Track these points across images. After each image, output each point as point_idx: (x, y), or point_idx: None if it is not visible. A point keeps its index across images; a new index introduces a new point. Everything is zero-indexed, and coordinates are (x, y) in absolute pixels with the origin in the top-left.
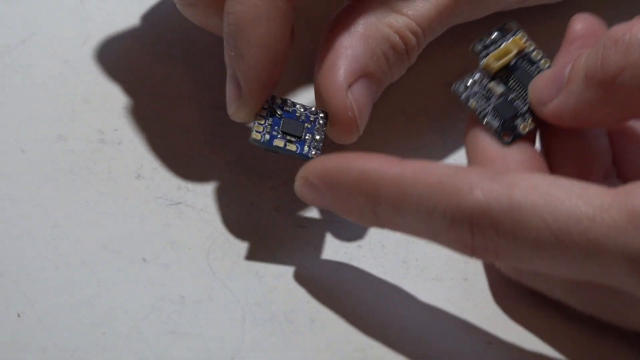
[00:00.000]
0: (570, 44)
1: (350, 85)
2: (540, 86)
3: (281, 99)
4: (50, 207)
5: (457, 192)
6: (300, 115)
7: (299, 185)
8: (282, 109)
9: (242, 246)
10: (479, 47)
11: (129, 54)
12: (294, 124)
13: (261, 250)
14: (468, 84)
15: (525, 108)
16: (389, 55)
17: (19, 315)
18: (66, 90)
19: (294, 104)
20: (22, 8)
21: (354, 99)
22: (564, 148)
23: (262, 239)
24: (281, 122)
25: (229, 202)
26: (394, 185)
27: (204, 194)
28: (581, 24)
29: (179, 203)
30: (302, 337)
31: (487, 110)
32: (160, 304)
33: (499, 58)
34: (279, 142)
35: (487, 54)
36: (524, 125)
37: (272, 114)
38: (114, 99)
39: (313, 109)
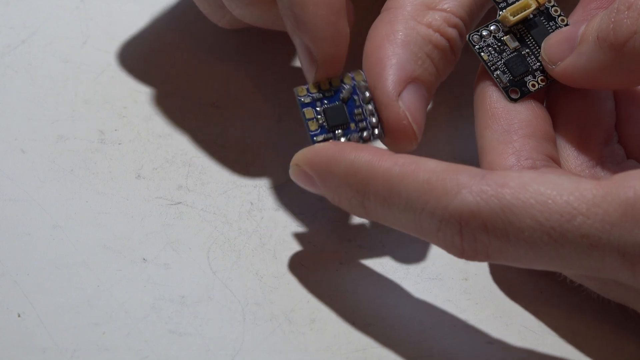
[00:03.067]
0: (588, 2)
1: (400, 94)
2: (552, 44)
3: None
4: (50, 207)
5: (446, 193)
6: (358, 115)
7: (292, 171)
8: (352, 97)
9: (242, 246)
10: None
11: (129, 54)
12: (340, 114)
13: (261, 250)
14: (482, 35)
15: (536, 65)
16: (433, 56)
17: (19, 315)
18: (66, 90)
19: (362, 103)
20: (22, 8)
21: (405, 107)
22: (569, 107)
23: (262, 239)
24: (334, 103)
25: (229, 202)
26: (382, 180)
27: (204, 194)
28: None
29: (179, 203)
30: (302, 337)
31: (498, 64)
32: (160, 303)
33: (516, 12)
34: (308, 112)
35: (506, 6)
36: (533, 83)
37: (339, 91)
38: (114, 99)
39: (375, 120)
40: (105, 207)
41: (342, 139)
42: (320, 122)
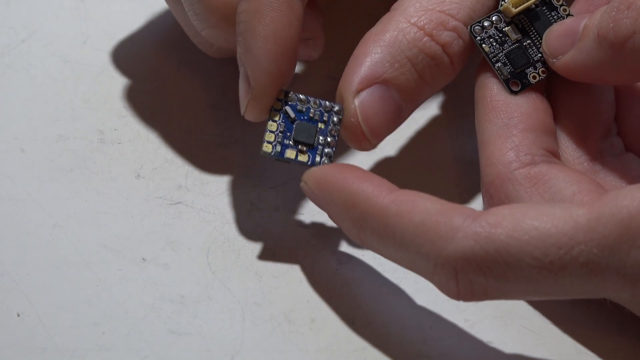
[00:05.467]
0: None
1: (359, 92)
2: (553, 38)
3: (295, 94)
4: (50, 206)
5: (439, 238)
6: (314, 114)
7: (302, 186)
8: (295, 109)
9: (242, 246)
10: None
11: (129, 54)
12: (307, 129)
13: (261, 250)
14: (484, 26)
15: (537, 56)
16: (416, 61)
17: (19, 315)
18: (66, 90)
19: (307, 100)
20: (22, 8)
21: (360, 106)
22: (570, 99)
23: (261, 239)
24: (294, 127)
25: (229, 202)
26: (379, 218)
27: (203, 193)
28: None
29: (179, 203)
30: (302, 337)
31: (499, 56)
32: (160, 303)
33: (518, 3)
34: (290, 154)
35: None
36: (534, 75)
37: (285, 116)
38: (113, 99)
39: (328, 103)
40: (105, 206)
41: (327, 138)
42: (303, 149)
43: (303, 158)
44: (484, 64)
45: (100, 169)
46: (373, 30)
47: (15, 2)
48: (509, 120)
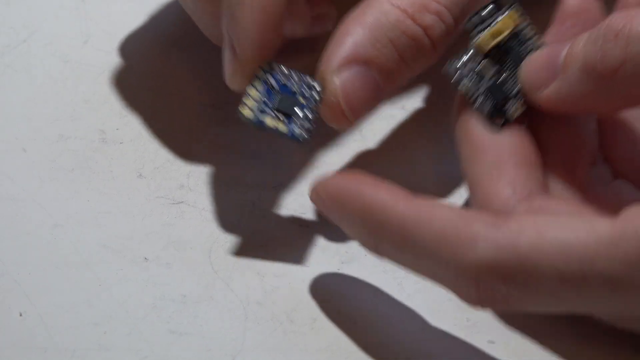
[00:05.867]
0: (562, 21)
1: (340, 70)
2: (533, 71)
3: (278, 66)
4: (51, 206)
5: (461, 246)
6: (296, 88)
7: (311, 196)
8: (277, 79)
9: (244, 246)
10: (472, 22)
11: (129, 53)
12: (287, 100)
13: (262, 250)
14: (459, 65)
15: (516, 90)
16: (398, 43)
17: (20, 315)
18: (67, 89)
19: (291, 73)
20: (23, 8)
21: (341, 84)
22: (552, 132)
23: (263, 239)
24: (274, 97)
25: (231, 202)
26: (397, 226)
27: (205, 193)
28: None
29: (181, 202)
30: (304, 336)
31: (478, 93)
32: (161, 303)
33: (491, 37)
34: (271, 123)
35: (480, 31)
36: (515, 109)
37: (268, 85)
38: (114, 99)
39: (310, 79)
40: (106, 206)
41: (299, 112)
42: (282, 118)
43: (283, 128)
44: (462, 103)
45: (101, 168)
46: (355, 10)
47: (15, 2)
48: (498, 157)
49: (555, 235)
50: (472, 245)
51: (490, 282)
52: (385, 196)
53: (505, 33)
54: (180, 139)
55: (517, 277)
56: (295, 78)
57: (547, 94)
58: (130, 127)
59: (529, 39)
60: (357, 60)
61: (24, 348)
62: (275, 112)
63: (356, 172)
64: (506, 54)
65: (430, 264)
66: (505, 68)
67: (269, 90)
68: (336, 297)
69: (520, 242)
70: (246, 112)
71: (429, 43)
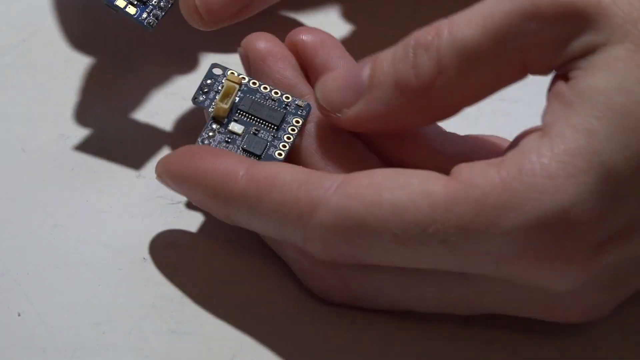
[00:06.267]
0: (269, 62)
1: None
2: (333, 92)
3: None
4: (50, 206)
5: (302, 215)
6: None
7: (158, 180)
8: None
9: (243, 245)
10: (200, 98)
11: (130, 53)
12: None
13: (262, 249)
14: (208, 139)
15: (270, 136)
16: None
17: (19, 315)
18: (67, 89)
19: None
20: (23, 7)
21: None
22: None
23: (263, 238)
24: None
25: None
26: (241, 200)
27: None
28: (262, 43)
29: (180, 202)
30: (304, 336)
31: (238, 154)
32: (161, 303)
33: (225, 100)
34: (120, 2)
35: (211, 101)
36: (280, 152)
37: None
38: (115, 98)
39: None
40: (106, 206)
41: (160, 2)
42: (135, 2)
43: (131, 10)
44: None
45: (101, 168)
46: None
47: (16, 1)
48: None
49: (390, 198)
50: (312, 212)
51: (333, 244)
52: (223, 167)
53: (234, 93)
54: (181, 139)
55: (356, 240)
56: None
57: (353, 113)
58: (130, 126)
59: (257, 89)
60: None
61: (24, 348)
62: None
63: (195, 145)
64: (245, 109)
65: (279, 230)
66: (251, 122)
67: None
68: None
69: (355, 206)
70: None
71: None
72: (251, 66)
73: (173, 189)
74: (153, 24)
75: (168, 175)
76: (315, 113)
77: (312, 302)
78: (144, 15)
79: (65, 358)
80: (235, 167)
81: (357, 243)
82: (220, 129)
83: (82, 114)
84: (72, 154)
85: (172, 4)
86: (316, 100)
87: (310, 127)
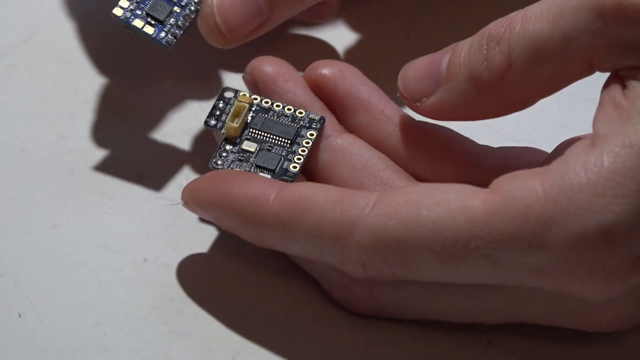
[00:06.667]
0: (279, 83)
1: None
2: (413, 81)
3: None
4: (50, 207)
5: (339, 237)
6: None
7: (185, 207)
8: None
9: (243, 246)
10: (212, 121)
11: (129, 53)
12: (161, 6)
13: (262, 249)
14: (221, 158)
15: (285, 150)
16: None
17: (19, 315)
18: (67, 90)
19: None
20: (23, 8)
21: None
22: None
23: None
24: (150, 1)
25: None
26: (275, 226)
27: None
28: (269, 66)
29: (180, 203)
30: (304, 336)
31: (252, 170)
32: (160, 303)
33: (235, 119)
34: (137, 23)
35: (223, 124)
36: (295, 165)
37: None
38: (114, 99)
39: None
40: (106, 207)
41: (177, 21)
42: (152, 22)
43: (149, 30)
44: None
45: (101, 169)
46: None
47: (16, 2)
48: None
49: (429, 215)
50: (349, 234)
51: (373, 264)
52: (254, 192)
53: (245, 111)
54: (180, 139)
55: (397, 259)
56: None
57: (432, 103)
58: (130, 127)
59: (270, 108)
60: None
61: (24, 348)
62: (146, 14)
63: (221, 170)
64: (257, 127)
65: (315, 253)
66: (264, 139)
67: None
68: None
69: (394, 226)
70: (117, 10)
71: None
72: (261, 89)
73: (201, 215)
74: (172, 42)
75: (195, 203)
76: (330, 127)
77: (312, 303)
78: (162, 34)
79: (65, 358)
80: (265, 191)
81: (397, 262)
82: (233, 149)
83: (82, 115)
84: (71, 154)
85: (190, 22)
86: (398, 88)
87: (328, 142)
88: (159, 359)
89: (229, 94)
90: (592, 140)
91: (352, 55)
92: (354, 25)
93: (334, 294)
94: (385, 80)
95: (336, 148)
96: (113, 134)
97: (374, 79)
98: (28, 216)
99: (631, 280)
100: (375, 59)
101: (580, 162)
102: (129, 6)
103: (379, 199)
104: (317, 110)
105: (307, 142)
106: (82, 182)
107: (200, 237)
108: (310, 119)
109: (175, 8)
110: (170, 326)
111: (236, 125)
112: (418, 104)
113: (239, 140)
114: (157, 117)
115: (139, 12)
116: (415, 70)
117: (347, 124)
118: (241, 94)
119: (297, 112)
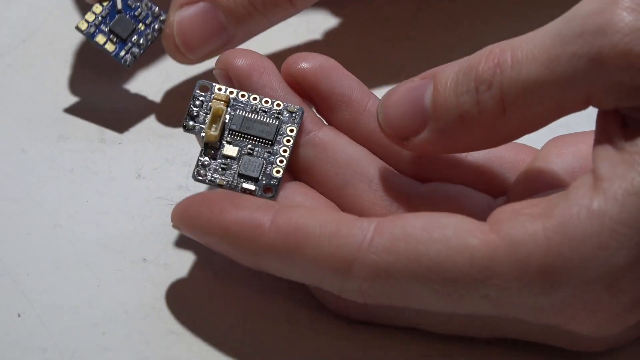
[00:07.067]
0: (255, 78)
1: (184, 5)
2: (398, 119)
3: None
4: (50, 207)
5: (338, 272)
6: (141, 15)
7: (174, 226)
8: (125, 2)
9: None
10: (190, 124)
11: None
12: (126, 24)
13: None
14: (204, 169)
15: (266, 154)
16: None
17: (19, 315)
18: (67, 89)
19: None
20: (23, 8)
21: (178, 19)
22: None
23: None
24: (115, 17)
25: None
26: (271, 254)
27: None
28: (242, 59)
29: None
30: (303, 337)
31: (235, 181)
32: (160, 304)
33: (212, 126)
34: (100, 39)
35: (201, 127)
36: (277, 169)
37: (114, 4)
38: (114, 99)
39: (157, 9)
40: (106, 206)
41: (139, 39)
42: (114, 40)
43: (110, 47)
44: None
45: (100, 169)
46: None
47: (15, 2)
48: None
49: (428, 253)
50: (349, 269)
51: (372, 295)
52: (249, 220)
53: (222, 114)
54: (180, 139)
55: (394, 292)
56: (144, 5)
57: (420, 142)
58: (130, 127)
59: (247, 102)
60: None
61: (24, 348)
62: (110, 31)
63: (209, 193)
64: (237, 128)
65: (314, 282)
66: (245, 142)
67: (113, 9)
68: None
69: (393, 263)
70: (81, 24)
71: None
72: (236, 85)
73: (192, 238)
74: (130, 62)
75: (186, 228)
76: (310, 120)
77: (312, 303)
78: (122, 53)
79: (65, 358)
80: (259, 218)
81: (396, 295)
82: (214, 154)
83: (81, 115)
84: (71, 154)
85: (151, 42)
86: (379, 123)
87: (309, 137)
88: (159, 359)
89: (203, 90)
90: (594, 180)
91: (352, 55)
92: (354, 25)
93: (325, 302)
94: (385, 80)
95: (318, 143)
96: (112, 134)
97: (373, 79)
98: (28, 216)
99: (630, 319)
100: (375, 59)
101: (583, 209)
102: (93, 20)
103: (376, 231)
104: (296, 102)
105: (288, 140)
106: (82, 181)
107: None
108: (289, 111)
109: (140, 25)
110: (170, 326)
111: (215, 133)
112: (404, 142)
113: (219, 144)
114: (156, 116)
115: (103, 27)
116: (397, 106)
117: (329, 121)
118: (216, 88)
119: (275, 105)
